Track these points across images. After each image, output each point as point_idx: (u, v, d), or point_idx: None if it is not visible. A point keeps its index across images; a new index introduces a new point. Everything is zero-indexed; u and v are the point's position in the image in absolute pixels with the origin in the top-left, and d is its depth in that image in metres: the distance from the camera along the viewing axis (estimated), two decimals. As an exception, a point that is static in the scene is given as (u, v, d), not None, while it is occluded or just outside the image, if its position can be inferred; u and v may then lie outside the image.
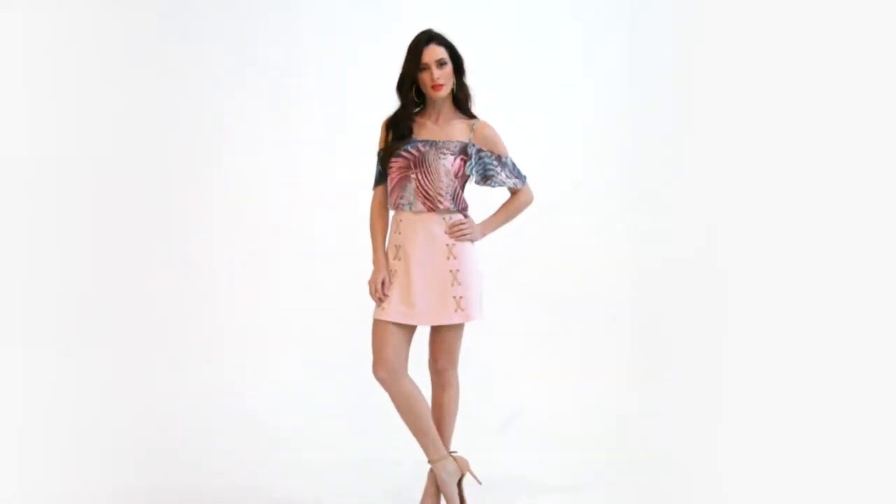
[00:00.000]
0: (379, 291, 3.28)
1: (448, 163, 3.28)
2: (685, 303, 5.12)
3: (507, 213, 3.46)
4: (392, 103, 3.35)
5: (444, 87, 3.27)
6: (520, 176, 3.44)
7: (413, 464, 3.61)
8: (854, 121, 4.73)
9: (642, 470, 3.88)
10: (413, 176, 3.28)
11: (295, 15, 5.35)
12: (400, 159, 3.29)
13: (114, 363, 4.98)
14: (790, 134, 4.90)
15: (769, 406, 4.45)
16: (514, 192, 3.47)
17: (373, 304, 3.34)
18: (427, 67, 3.25)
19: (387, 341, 3.23)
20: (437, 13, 4.07)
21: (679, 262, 5.15)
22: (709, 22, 5.15)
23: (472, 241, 3.35)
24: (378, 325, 3.28)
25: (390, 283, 3.29)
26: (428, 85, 3.26)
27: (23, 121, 5.19)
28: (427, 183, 3.26)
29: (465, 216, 3.35)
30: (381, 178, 3.39)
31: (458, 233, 3.30)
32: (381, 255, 3.33)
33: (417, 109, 3.35)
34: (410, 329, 3.30)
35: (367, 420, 4.32)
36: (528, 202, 3.48)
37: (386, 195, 3.40)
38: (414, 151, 3.29)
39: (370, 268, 3.35)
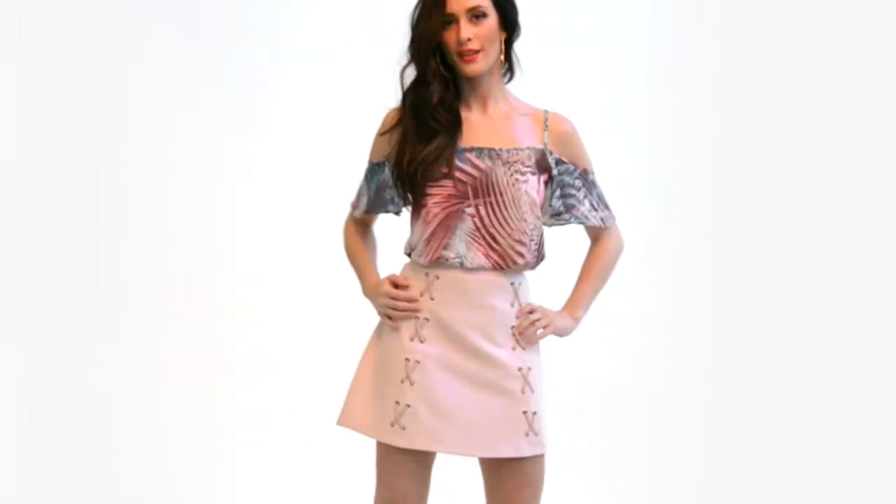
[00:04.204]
0: (408, 305, 2.04)
1: (531, 188, 2.00)
2: (686, 302, 5.13)
3: (600, 277, 2.22)
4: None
5: (481, 59, 1.94)
6: (608, 207, 2.19)
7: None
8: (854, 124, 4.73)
9: (643, 468, 3.87)
10: (470, 211, 1.98)
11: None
12: (448, 182, 1.98)
13: (113, 363, 4.97)
14: (798, 135, 4.90)
15: (770, 406, 4.46)
16: (596, 235, 2.19)
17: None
18: (454, 20, 1.94)
19: (400, 483, 2.03)
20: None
21: (681, 262, 5.16)
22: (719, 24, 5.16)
23: (558, 335, 2.19)
24: (386, 455, 2.04)
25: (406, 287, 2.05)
26: (453, 51, 1.96)
27: (21, 120, 5.17)
28: (499, 223, 1.98)
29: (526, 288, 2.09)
30: (374, 206, 2.11)
31: (529, 335, 2.09)
32: (371, 271, 2.17)
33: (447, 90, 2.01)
34: (432, 459, 2.08)
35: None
36: (621, 250, 2.22)
37: (368, 223, 2.19)
38: (472, 170, 1.99)
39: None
